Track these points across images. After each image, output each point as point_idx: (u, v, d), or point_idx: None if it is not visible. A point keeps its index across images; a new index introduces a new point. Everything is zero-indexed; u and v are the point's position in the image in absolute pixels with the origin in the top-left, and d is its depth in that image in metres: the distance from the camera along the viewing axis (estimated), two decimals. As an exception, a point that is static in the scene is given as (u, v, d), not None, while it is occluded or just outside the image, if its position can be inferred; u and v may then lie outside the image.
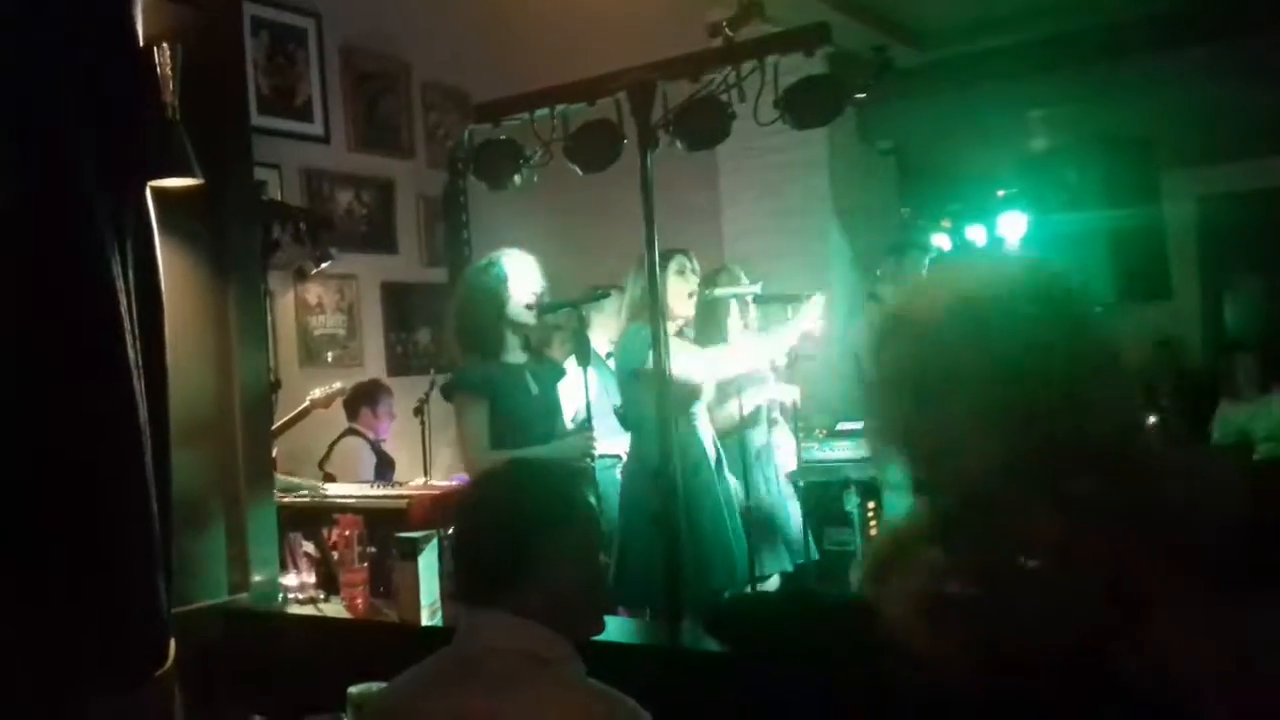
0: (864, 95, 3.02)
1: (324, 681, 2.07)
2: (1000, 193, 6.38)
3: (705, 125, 2.82)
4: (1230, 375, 6.35)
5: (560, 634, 1.52)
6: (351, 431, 5.28)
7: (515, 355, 3.28)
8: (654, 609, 3.11)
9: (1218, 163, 7.39)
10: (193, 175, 2.56)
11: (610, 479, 3.82)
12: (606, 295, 3.72)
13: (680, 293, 3.58)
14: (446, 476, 4.45)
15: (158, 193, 2.55)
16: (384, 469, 5.24)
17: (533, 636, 1.49)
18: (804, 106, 2.77)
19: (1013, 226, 6.22)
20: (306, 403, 4.76)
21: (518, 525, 1.53)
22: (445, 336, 3.73)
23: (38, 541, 2.25)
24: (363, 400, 5.32)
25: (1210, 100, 6.04)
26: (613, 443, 3.78)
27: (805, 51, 2.79)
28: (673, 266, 3.54)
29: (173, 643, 2.43)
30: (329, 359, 5.83)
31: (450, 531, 1.63)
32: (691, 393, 3.58)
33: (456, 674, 1.51)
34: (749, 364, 3.74)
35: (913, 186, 6.77)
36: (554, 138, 3.01)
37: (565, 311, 3.40)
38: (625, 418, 3.72)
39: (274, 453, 3.39)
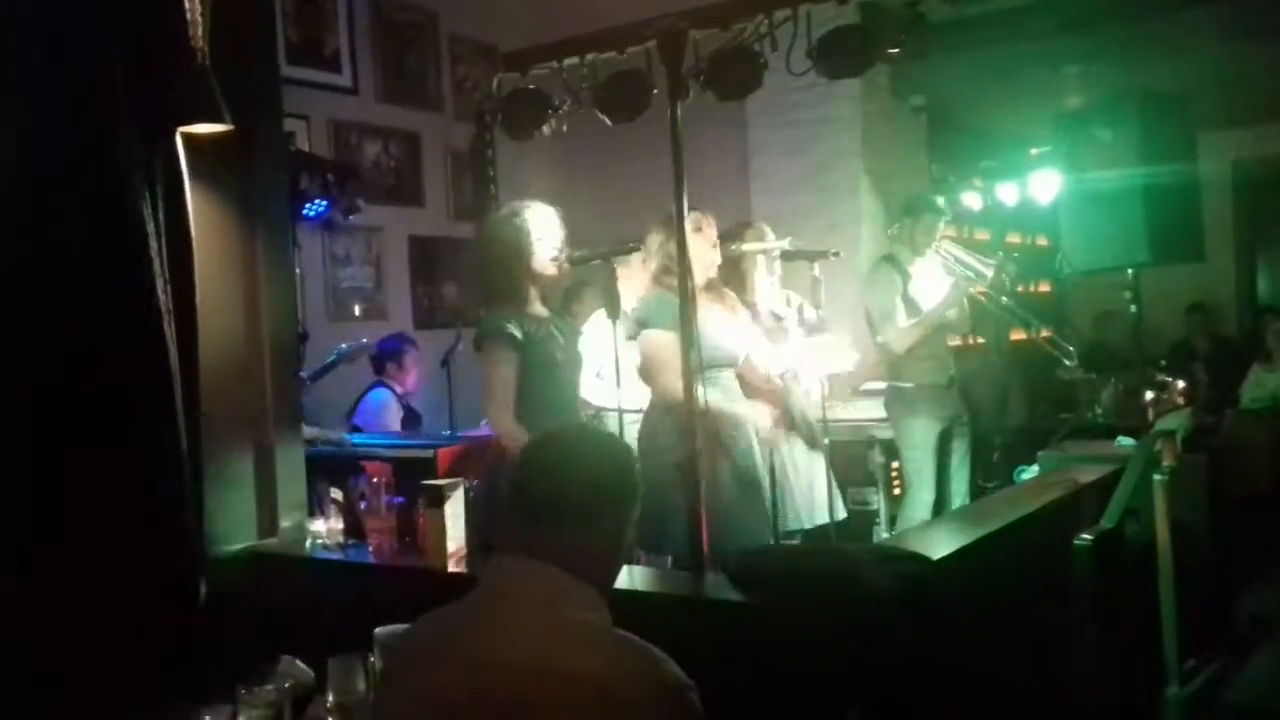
0: (897, 50, 2.98)
1: (352, 624, 2.09)
2: (1033, 151, 6.29)
3: (736, 75, 2.79)
4: (1262, 339, 6.30)
5: (592, 588, 1.55)
6: (379, 385, 5.31)
7: (538, 308, 3.28)
8: (675, 557, 3.12)
9: (1255, 124, 7.26)
10: (222, 121, 2.55)
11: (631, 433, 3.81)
12: (637, 249, 3.69)
13: (700, 249, 3.56)
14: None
15: (187, 139, 2.55)
16: (411, 422, 5.27)
17: (568, 586, 1.50)
18: (837, 57, 2.74)
19: (1045, 185, 6.15)
20: (333, 356, 4.79)
21: (591, 482, 1.56)
22: (470, 286, 3.73)
23: (71, 483, 2.29)
24: (389, 354, 5.34)
25: (1248, 59, 5.92)
26: (639, 398, 3.77)
27: (838, 0, 2.75)
28: (689, 225, 3.53)
29: (203, 584, 2.47)
30: (356, 312, 5.86)
31: (513, 471, 1.63)
32: (721, 357, 3.56)
33: (489, 617, 1.51)
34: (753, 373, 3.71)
35: (944, 144, 6.68)
36: (583, 87, 2.98)
37: (595, 265, 3.38)
38: (646, 374, 3.71)
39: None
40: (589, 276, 3.43)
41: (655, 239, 3.46)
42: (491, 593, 1.54)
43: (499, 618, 1.50)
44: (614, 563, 1.63)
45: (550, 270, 3.22)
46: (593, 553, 1.55)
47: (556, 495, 1.55)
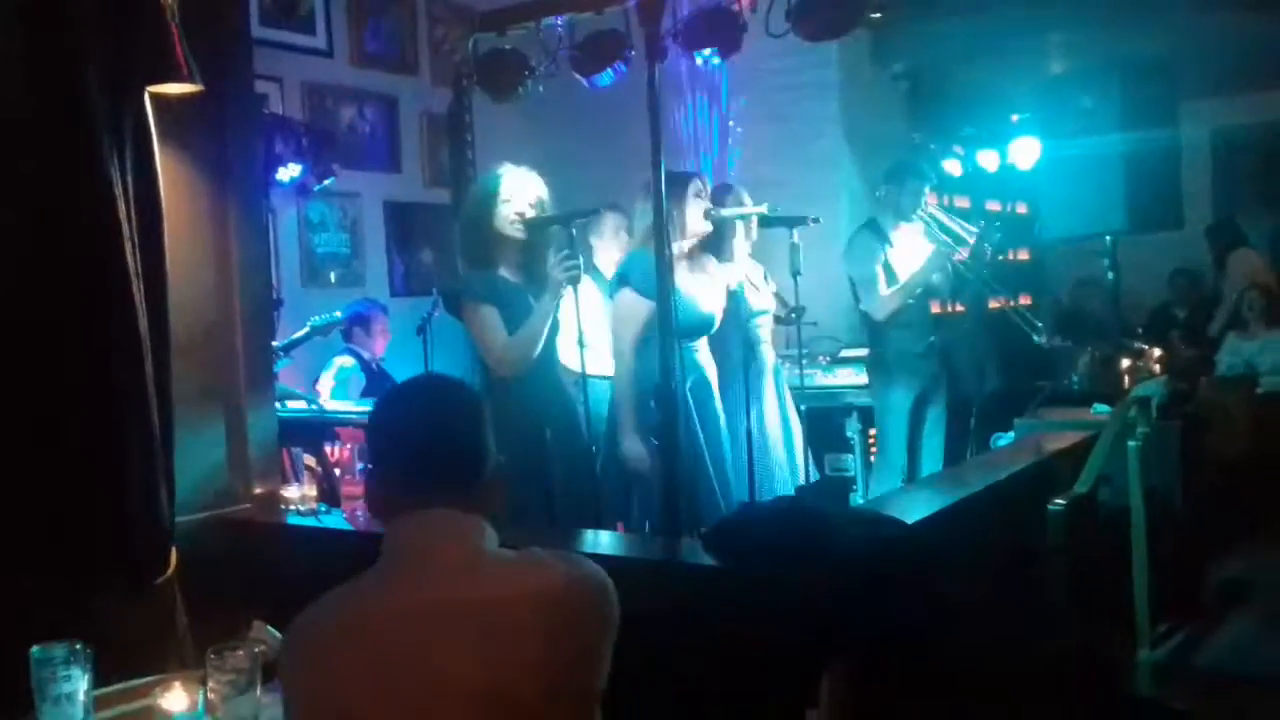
0: (878, 15, 2.95)
1: (325, 591, 2.07)
2: (1014, 117, 6.27)
3: (715, 36, 2.75)
4: (1238, 307, 6.34)
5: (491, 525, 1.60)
6: (346, 351, 5.26)
7: (513, 273, 3.24)
8: (653, 524, 3.12)
9: (1236, 93, 7.27)
10: (192, 81, 2.50)
11: (607, 399, 3.79)
12: (594, 213, 3.63)
13: (696, 214, 3.56)
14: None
15: (156, 99, 2.50)
16: (379, 389, 5.21)
17: (479, 528, 1.54)
18: (816, 19, 2.71)
19: (1026, 152, 6.14)
20: (306, 329, 4.73)
21: (479, 423, 1.59)
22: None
23: (39, 447, 2.26)
24: (356, 319, 5.28)
25: (1230, 28, 5.91)
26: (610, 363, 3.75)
27: (819, -38, 2.72)
28: (691, 190, 3.53)
29: (174, 550, 2.45)
30: (331, 279, 5.81)
31: (394, 430, 1.62)
32: (699, 322, 3.55)
33: (416, 573, 1.49)
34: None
35: (925, 111, 6.65)
36: (560, 48, 2.95)
37: (554, 229, 3.34)
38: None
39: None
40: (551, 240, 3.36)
41: (646, 201, 3.45)
42: (419, 549, 1.52)
43: (453, 565, 1.50)
44: (501, 487, 1.65)
45: (512, 232, 3.17)
46: (488, 488, 1.58)
47: (444, 450, 1.57)
